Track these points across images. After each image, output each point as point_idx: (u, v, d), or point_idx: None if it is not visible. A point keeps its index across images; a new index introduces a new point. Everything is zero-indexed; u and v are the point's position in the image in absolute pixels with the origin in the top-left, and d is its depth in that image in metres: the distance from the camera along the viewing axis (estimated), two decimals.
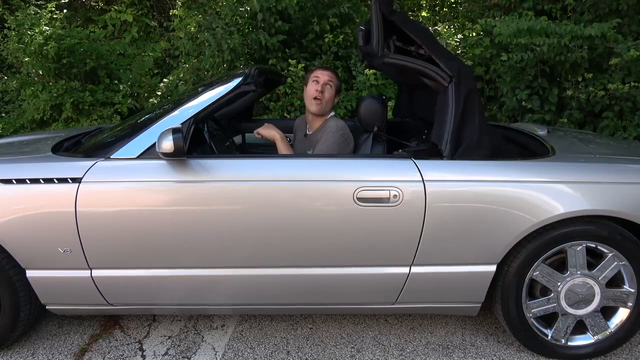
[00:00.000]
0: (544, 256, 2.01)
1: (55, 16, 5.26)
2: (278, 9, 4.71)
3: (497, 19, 4.31)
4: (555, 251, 2.01)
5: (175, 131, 1.87)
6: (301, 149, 2.67)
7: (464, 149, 2.01)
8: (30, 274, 2.03)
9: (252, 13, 4.82)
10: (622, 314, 2.10)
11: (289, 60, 4.75)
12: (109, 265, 2.01)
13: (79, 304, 2.13)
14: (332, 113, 2.57)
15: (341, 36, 4.90)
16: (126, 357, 2.19)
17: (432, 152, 2.05)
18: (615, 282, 2.08)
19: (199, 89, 2.27)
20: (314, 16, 4.97)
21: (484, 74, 4.77)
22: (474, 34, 4.89)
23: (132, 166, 1.98)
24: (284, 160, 2.04)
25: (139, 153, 2.02)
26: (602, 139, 2.87)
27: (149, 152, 2.01)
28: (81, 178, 1.95)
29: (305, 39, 5.09)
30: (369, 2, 6.46)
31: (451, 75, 2.01)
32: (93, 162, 1.99)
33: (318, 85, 2.47)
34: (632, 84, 3.74)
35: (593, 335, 2.11)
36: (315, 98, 2.46)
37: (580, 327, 2.12)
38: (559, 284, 2.04)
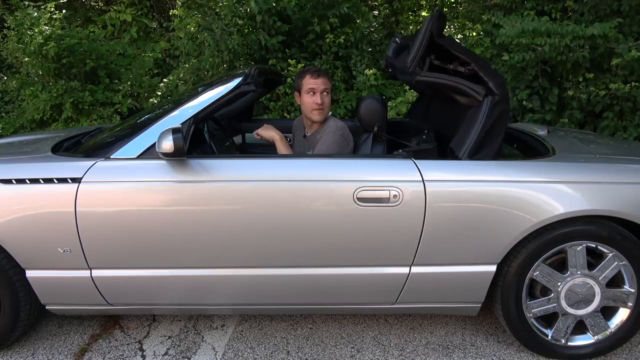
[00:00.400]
0: (544, 256, 2.01)
1: (54, 16, 5.26)
2: (277, 9, 4.71)
3: (501, 18, 4.30)
4: (555, 251, 2.01)
5: (175, 131, 1.87)
6: (300, 150, 2.66)
7: (482, 151, 2.05)
8: (30, 274, 2.03)
9: (251, 14, 4.82)
10: (622, 314, 2.10)
11: (289, 60, 4.75)
12: (109, 265, 2.01)
13: (79, 304, 2.13)
14: (329, 112, 2.57)
15: (342, 36, 4.90)
16: (126, 357, 2.19)
17: (447, 156, 2.08)
18: (615, 282, 2.08)
19: (199, 89, 2.27)
20: (314, 16, 4.97)
21: None
22: (474, 34, 4.89)
23: (132, 166, 1.98)
24: (284, 160, 2.04)
25: (139, 153, 2.02)
26: (602, 139, 2.88)
27: (149, 152, 2.01)
28: (81, 178, 1.95)
29: (306, 39, 5.09)
30: (369, 2, 6.47)
31: (496, 93, 2.05)
32: (93, 162, 1.99)
33: (316, 96, 2.43)
34: (633, 84, 3.74)
35: (593, 335, 2.11)
36: (315, 109, 2.45)
37: (580, 327, 2.12)
38: (559, 284, 2.04)
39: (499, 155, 2.09)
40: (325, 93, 2.46)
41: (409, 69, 2.17)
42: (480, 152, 2.04)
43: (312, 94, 2.45)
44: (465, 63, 2.20)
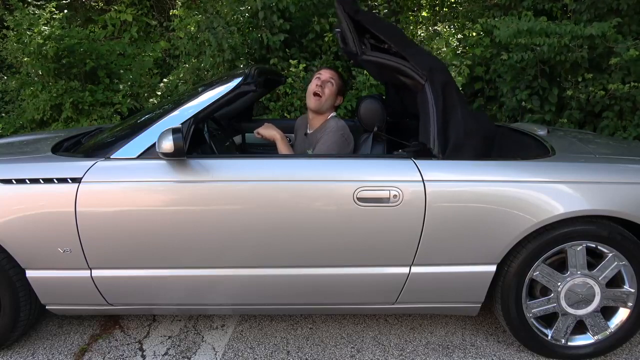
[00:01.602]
0: (544, 256, 2.01)
1: (54, 16, 5.25)
2: (279, 7, 4.71)
3: (497, 19, 4.31)
4: (555, 251, 2.01)
5: (175, 131, 1.87)
6: (301, 148, 2.67)
7: (453, 145, 2.02)
8: (30, 274, 2.03)
9: (253, 12, 4.81)
10: (622, 314, 2.10)
11: (290, 60, 4.75)
12: (109, 265, 2.01)
13: (79, 304, 2.13)
14: (333, 113, 2.57)
15: None
16: (126, 357, 2.19)
17: (422, 152, 2.05)
18: (615, 282, 2.08)
19: (199, 89, 2.27)
20: (314, 15, 4.97)
21: (484, 74, 4.77)
22: (474, 34, 4.89)
23: (132, 166, 1.98)
24: (284, 160, 2.04)
25: (139, 153, 2.02)
26: (602, 139, 2.87)
27: (149, 152, 2.01)
28: (81, 178, 1.95)
29: (306, 39, 5.08)
30: (369, 2, 6.47)
31: (423, 73, 2.02)
32: (93, 162, 1.99)
33: (319, 81, 2.49)
34: (632, 84, 3.74)
35: (593, 335, 2.11)
36: (315, 94, 2.48)
37: (580, 327, 2.12)
38: (559, 284, 2.04)
39: (469, 125, 2.03)
40: (329, 83, 2.49)
41: (356, 53, 2.17)
42: (449, 135, 2.01)
43: (317, 79, 2.52)
44: (382, 41, 2.16)
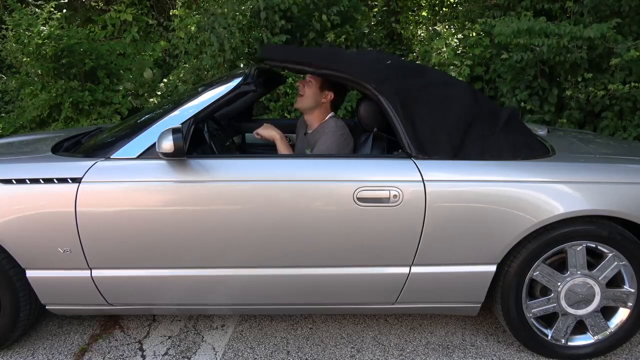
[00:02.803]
0: (544, 256, 2.01)
1: (53, 16, 5.25)
2: (281, 8, 4.71)
3: (496, 19, 4.31)
4: (555, 251, 2.01)
5: (175, 131, 1.87)
6: (302, 148, 2.67)
7: (425, 143, 2.01)
8: (30, 274, 2.03)
9: (255, 12, 4.81)
10: (622, 314, 2.10)
11: None
12: (109, 265, 2.01)
13: (79, 304, 2.13)
14: (332, 113, 2.56)
15: (343, 36, 4.90)
16: (126, 357, 2.19)
17: (404, 156, 2.05)
18: (615, 282, 2.08)
19: (199, 89, 2.27)
20: (315, 12, 4.97)
21: (484, 74, 4.77)
22: (474, 34, 4.89)
23: (132, 166, 1.98)
24: (284, 160, 2.04)
25: (139, 153, 2.02)
26: (602, 139, 2.88)
27: (149, 152, 2.01)
28: (81, 178, 1.95)
29: (306, 39, 5.09)
30: (369, 1, 6.47)
31: (372, 86, 2.06)
32: (93, 162, 1.99)
33: (301, 82, 2.52)
34: (632, 84, 3.74)
35: (593, 335, 2.11)
36: (299, 95, 2.52)
37: (580, 327, 2.12)
38: (559, 284, 2.04)
39: (437, 121, 2.04)
40: (310, 82, 2.49)
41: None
42: (419, 135, 2.02)
43: (301, 81, 2.55)
44: (301, 71, 2.27)
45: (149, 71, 5.34)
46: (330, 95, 2.55)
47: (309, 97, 2.50)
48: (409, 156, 2.03)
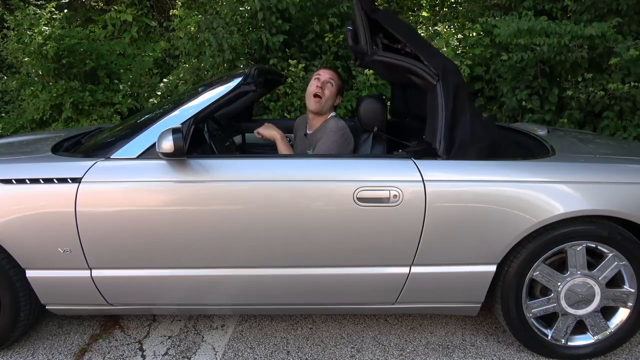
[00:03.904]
0: (544, 256, 2.01)
1: (55, 16, 5.25)
2: (279, 8, 4.71)
3: (497, 18, 4.31)
4: (555, 251, 2.01)
5: (175, 131, 1.87)
6: (301, 149, 2.67)
7: (458, 147, 2.01)
8: (30, 274, 2.03)
9: (253, 12, 4.82)
10: (622, 314, 2.10)
11: (289, 60, 4.75)
12: (109, 265, 2.01)
13: (79, 304, 2.13)
14: (333, 113, 2.57)
15: (341, 36, 4.90)
16: (126, 357, 2.19)
17: (427, 152, 2.05)
18: (615, 282, 2.08)
19: (199, 89, 2.27)
20: (314, 15, 4.97)
21: (484, 74, 4.77)
22: (474, 34, 4.89)
23: (132, 166, 1.98)
24: (284, 160, 2.04)
25: (139, 153, 2.02)
26: (602, 139, 2.88)
27: (149, 152, 2.01)
28: (81, 178, 1.95)
29: (305, 39, 5.08)
30: None
31: (437, 73, 2.01)
32: (93, 162, 1.99)
33: (319, 82, 2.48)
34: (632, 84, 3.74)
35: (593, 335, 2.11)
36: (315, 95, 2.46)
37: (580, 327, 2.12)
38: (559, 284, 2.04)
39: (477, 129, 2.03)
40: (329, 84, 2.47)
41: (367, 52, 2.15)
42: (455, 136, 2.01)
43: (316, 80, 2.50)
44: (398, 41, 2.14)
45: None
46: (339, 100, 2.57)
47: (328, 99, 2.50)
48: (433, 152, 2.02)
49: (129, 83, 5.46)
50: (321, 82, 2.47)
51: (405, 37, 2.15)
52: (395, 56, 2.13)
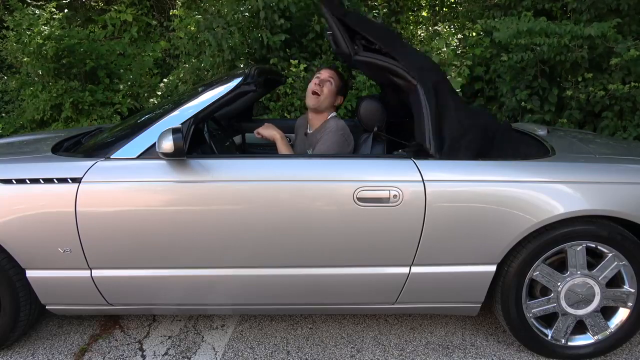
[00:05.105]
0: (544, 256, 2.01)
1: (54, 16, 5.25)
2: (280, 7, 4.71)
3: (496, 19, 4.31)
4: (555, 251, 2.01)
5: (175, 131, 1.87)
6: (301, 148, 2.67)
7: (449, 144, 2.02)
8: (30, 274, 2.03)
9: (254, 11, 4.82)
10: (622, 314, 2.10)
11: (290, 60, 4.75)
12: (109, 265, 2.01)
13: (79, 304, 2.13)
14: (334, 113, 2.57)
15: None
16: (126, 357, 2.19)
17: (419, 152, 2.05)
18: (615, 282, 2.08)
19: (199, 89, 2.27)
20: (314, 14, 4.97)
21: (484, 74, 4.77)
22: (474, 34, 4.89)
23: (132, 166, 1.98)
24: (284, 160, 2.04)
25: (139, 153, 2.02)
26: (602, 139, 2.88)
27: (149, 152, 2.01)
28: (81, 178, 1.95)
29: (306, 39, 5.09)
30: (369, 2, 6.46)
31: (414, 73, 2.03)
32: (93, 162, 1.99)
33: (318, 80, 2.51)
34: (632, 84, 3.74)
35: (593, 335, 2.11)
36: (313, 92, 2.49)
37: (580, 327, 2.12)
38: (559, 284, 2.04)
39: (465, 124, 2.03)
40: (328, 82, 2.49)
41: (349, 53, 2.17)
42: (444, 134, 2.01)
43: (316, 78, 2.54)
44: (370, 42, 2.15)
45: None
46: (340, 100, 2.57)
47: (327, 97, 2.51)
48: (425, 153, 2.02)
49: (129, 83, 5.46)
50: (320, 79, 2.50)
51: (378, 37, 2.16)
52: (376, 56, 2.14)
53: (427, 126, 2.02)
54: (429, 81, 2.03)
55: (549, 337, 2.12)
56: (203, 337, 2.33)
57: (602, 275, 2.03)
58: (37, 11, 5.23)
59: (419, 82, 2.03)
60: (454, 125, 2.03)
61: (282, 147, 2.48)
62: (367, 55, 2.15)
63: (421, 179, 1.95)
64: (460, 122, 2.04)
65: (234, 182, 1.95)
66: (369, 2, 6.57)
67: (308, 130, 2.62)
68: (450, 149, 2.01)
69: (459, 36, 5.02)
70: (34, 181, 1.95)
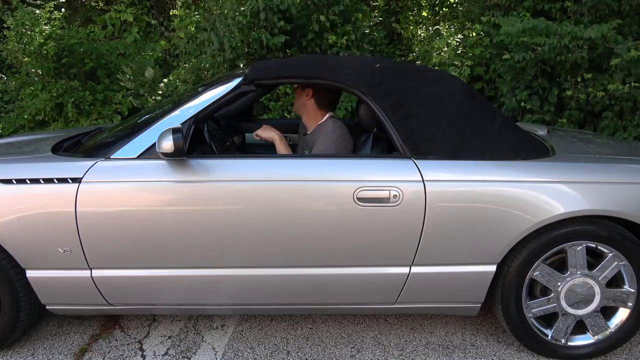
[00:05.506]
0: (544, 256, 2.01)
1: (54, 16, 5.25)
2: (280, 8, 4.71)
3: (499, 18, 4.30)
4: (555, 251, 2.01)
5: (175, 131, 1.87)
6: (301, 149, 2.67)
7: (418, 143, 2.02)
8: (30, 274, 2.03)
9: (254, 12, 4.82)
10: (622, 314, 2.10)
11: None
12: (109, 265, 2.01)
13: (79, 304, 2.13)
14: (330, 113, 2.56)
15: (344, 37, 4.90)
16: (126, 357, 2.19)
17: (404, 156, 2.05)
18: (615, 282, 2.08)
19: (199, 89, 2.27)
20: (314, 13, 4.97)
21: (484, 74, 4.77)
22: (474, 34, 4.89)
23: (132, 166, 1.98)
24: (284, 160, 2.04)
25: (139, 153, 2.02)
26: (602, 139, 2.87)
27: (149, 152, 2.01)
28: (81, 178, 1.95)
29: (305, 39, 5.09)
30: (370, 1, 6.47)
31: (361, 91, 2.09)
32: (93, 162, 1.99)
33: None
34: (632, 84, 3.74)
35: (593, 335, 2.11)
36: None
37: (580, 327, 2.12)
38: (559, 284, 2.04)
39: (429, 120, 2.05)
40: (297, 86, 2.55)
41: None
42: (412, 135, 2.02)
43: None
44: (293, 83, 2.36)
45: (150, 70, 5.33)
46: (309, 92, 2.52)
47: (297, 99, 2.58)
48: (407, 156, 2.03)
49: (130, 82, 5.46)
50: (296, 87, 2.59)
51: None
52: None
53: (392, 134, 2.04)
54: (378, 94, 2.07)
55: (549, 337, 2.12)
56: (203, 337, 2.33)
57: (602, 275, 2.03)
58: (37, 11, 5.23)
59: (368, 97, 2.09)
60: (417, 124, 2.04)
61: (281, 148, 2.48)
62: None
63: (421, 179, 1.95)
64: (421, 120, 2.05)
65: (234, 182, 1.95)
66: (370, 1, 6.58)
67: (307, 131, 2.62)
68: (422, 147, 2.01)
69: (459, 36, 5.02)
70: (34, 181, 1.95)
